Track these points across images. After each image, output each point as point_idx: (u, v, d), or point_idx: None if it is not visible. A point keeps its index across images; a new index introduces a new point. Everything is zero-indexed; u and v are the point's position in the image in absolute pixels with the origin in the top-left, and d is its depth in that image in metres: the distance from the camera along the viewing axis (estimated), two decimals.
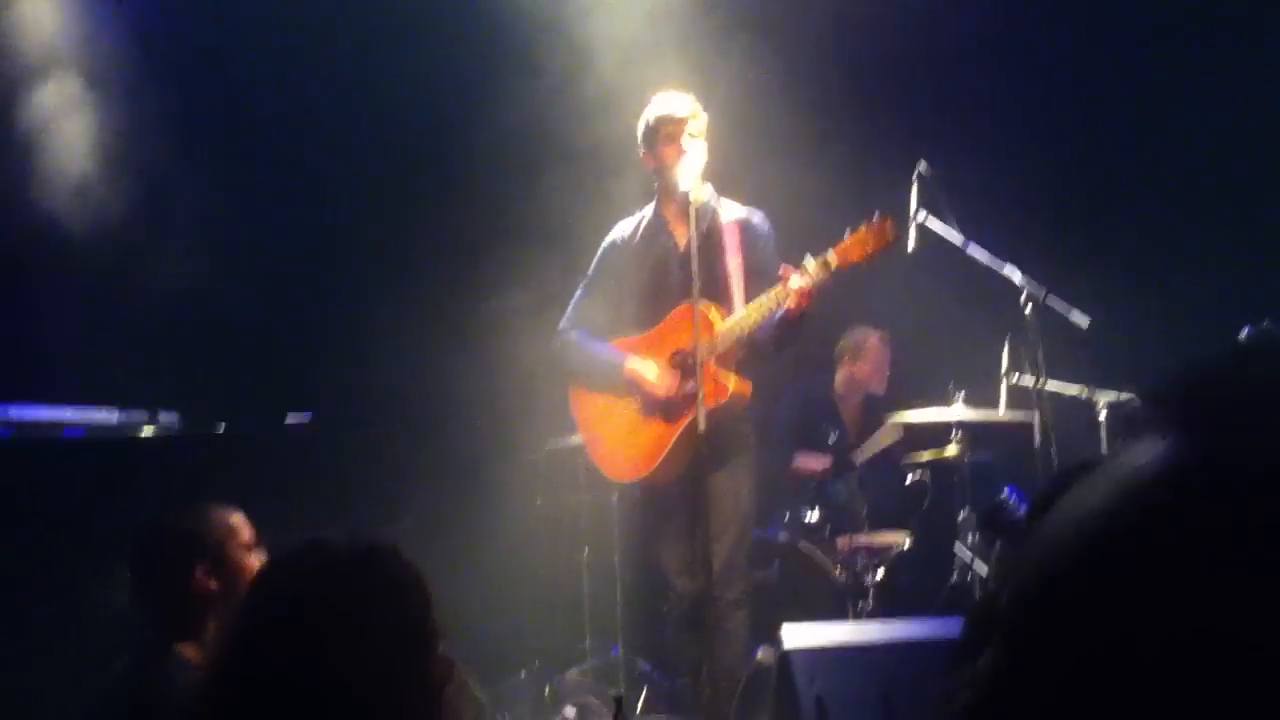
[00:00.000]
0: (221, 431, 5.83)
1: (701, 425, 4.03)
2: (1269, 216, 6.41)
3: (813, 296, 4.27)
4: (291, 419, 5.68)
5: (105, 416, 5.87)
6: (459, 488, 6.08)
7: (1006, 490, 2.94)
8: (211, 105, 6.26)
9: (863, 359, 6.60)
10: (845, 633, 3.75)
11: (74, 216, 6.19)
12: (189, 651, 2.65)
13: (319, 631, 1.80)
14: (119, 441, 5.74)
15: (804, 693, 3.32)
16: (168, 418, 6.06)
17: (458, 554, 5.75)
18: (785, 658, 3.12)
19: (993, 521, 3.52)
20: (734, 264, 4.60)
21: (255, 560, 2.73)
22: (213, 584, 2.72)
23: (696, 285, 4.10)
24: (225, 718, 1.75)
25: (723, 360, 4.45)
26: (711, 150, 4.71)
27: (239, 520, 2.81)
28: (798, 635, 3.20)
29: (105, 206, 6.11)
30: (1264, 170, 6.44)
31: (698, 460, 4.17)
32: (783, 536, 5.60)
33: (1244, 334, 4.31)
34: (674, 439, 4.48)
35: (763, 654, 4.45)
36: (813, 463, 6.15)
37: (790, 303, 4.24)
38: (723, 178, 5.05)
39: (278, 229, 6.22)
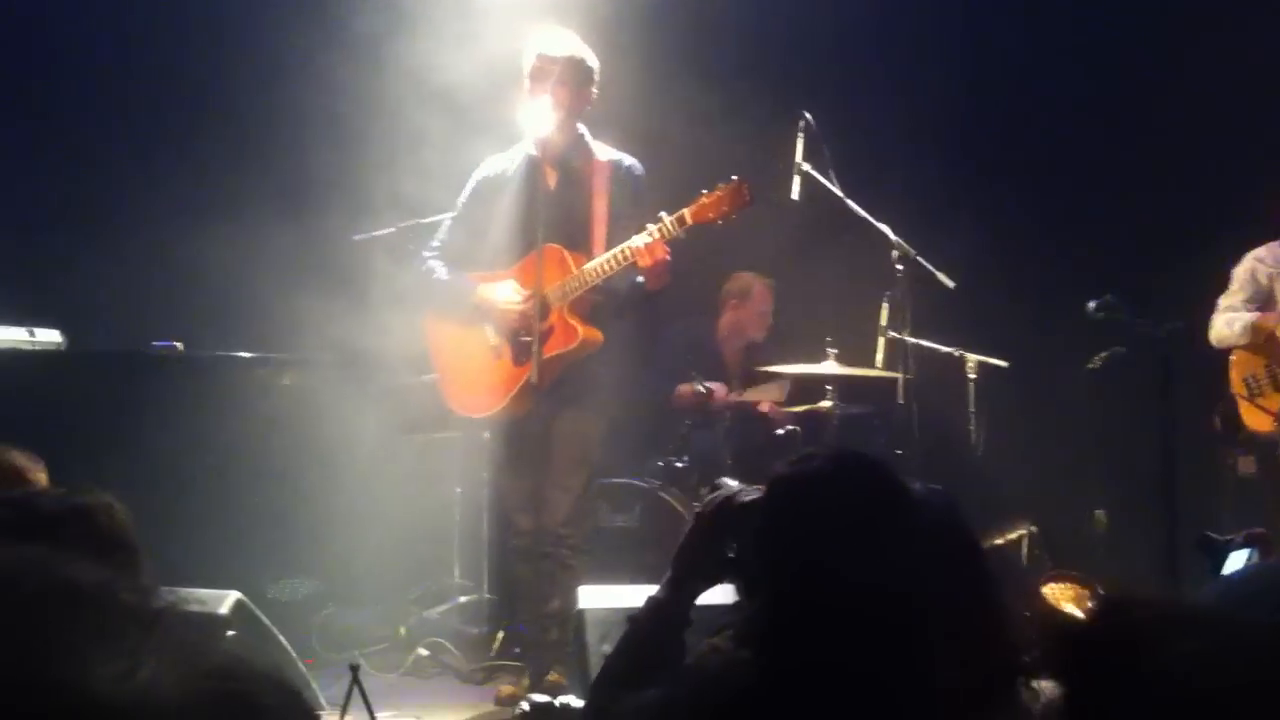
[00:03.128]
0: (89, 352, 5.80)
1: (535, 377, 4.06)
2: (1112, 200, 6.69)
3: (659, 258, 4.29)
4: (158, 345, 5.65)
5: None
6: (335, 419, 6.06)
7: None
8: None
9: (747, 305, 6.68)
10: (640, 595, 3.78)
11: None
12: None
13: None
14: None
15: (593, 651, 3.39)
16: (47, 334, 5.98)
17: (333, 489, 5.77)
18: (580, 616, 3.17)
19: None
20: (600, 207, 4.64)
21: None
22: None
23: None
24: None
25: (575, 306, 4.48)
26: (595, 92, 4.68)
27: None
28: (593, 596, 3.25)
29: None
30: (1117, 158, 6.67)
31: (541, 404, 4.22)
32: (646, 482, 5.65)
33: (1091, 306, 4.39)
34: (521, 382, 4.50)
35: None
36: (690, 392, 6.14)
37: (640, 259, 4.27)
38: (609, 123, 5.04)
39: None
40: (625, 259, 4.37)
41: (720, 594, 3.17)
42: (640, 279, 4.49)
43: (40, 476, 2.84)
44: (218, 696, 0.72)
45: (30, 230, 6.31)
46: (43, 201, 6.35)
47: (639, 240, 4.32)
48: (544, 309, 4.42)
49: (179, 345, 5.68)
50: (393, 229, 5.37)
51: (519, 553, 4.73)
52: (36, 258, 6.23)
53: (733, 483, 2.20)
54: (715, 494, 2.20)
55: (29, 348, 5.52)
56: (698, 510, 2.21)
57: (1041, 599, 4.61)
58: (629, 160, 4.74)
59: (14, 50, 6.40)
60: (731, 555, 2.12)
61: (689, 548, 2.21)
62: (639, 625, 2.23)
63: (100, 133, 6.37)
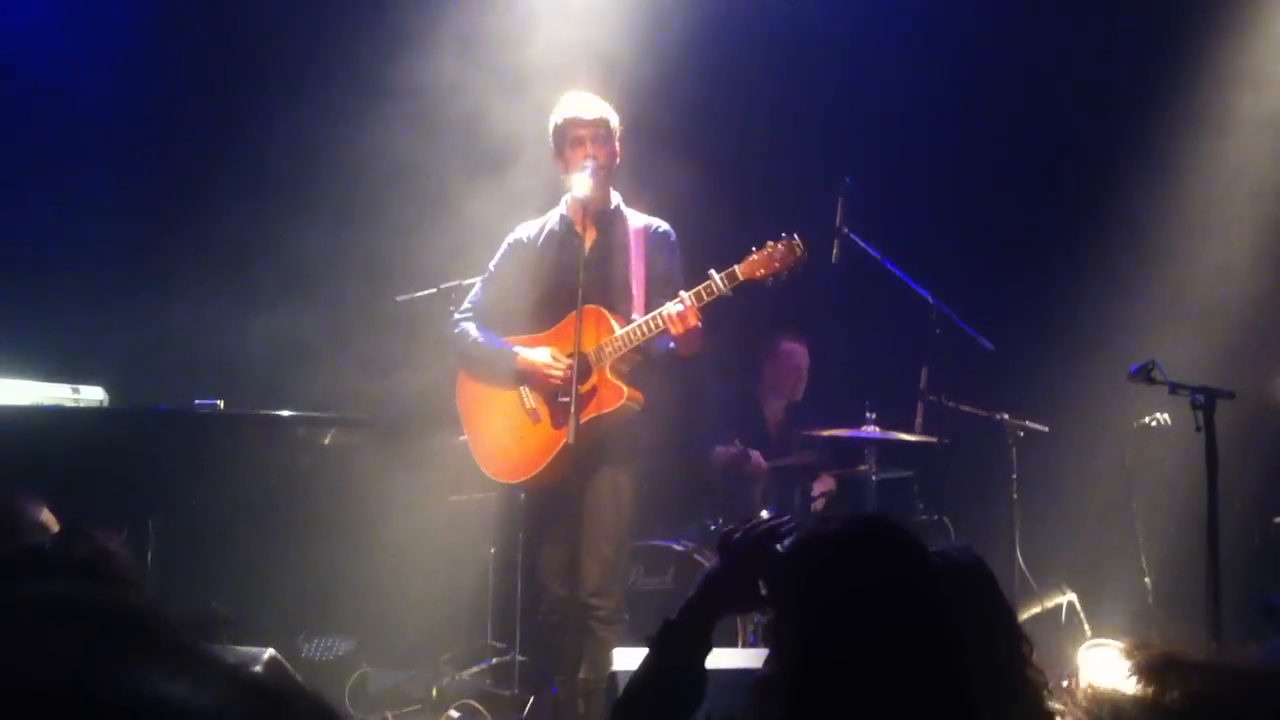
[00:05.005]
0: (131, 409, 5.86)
1: (572, 438, 4.08)
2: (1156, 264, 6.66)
3: (691, 326, 4.31)
4: (199, 403, 5.70)
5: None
6: (373, 479, 6.11)
7: None
8: None
9: (776, 363, 6.75)
10: None
11: None
12: None
13: None
14: None
15: None
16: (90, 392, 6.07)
17: (369, 548, 5.80)
18: (613, 679, 3.17)
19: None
20: (638, 270, 4.65)
21: None
22: None
23: (581, 293, 4.16)
24: None
25: (617, 367, 4.50)
26: (625, 157, 4.75)
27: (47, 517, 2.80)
28: (627, 659, 3.24)
29: None
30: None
31: (577, 466, 4.23)
32: (681, 545, 5.65)
33: (1132, 370, 4.39)
34: (559, 448, 4.51)
35: None
36: (730, 452, 6.19)
37: (673, 326, 4.30)
38: (648, 186, 5.11)
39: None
40: (660, 325, 4.40)
41: (743, 658, 3.18)
42: (671, 345, 4.53)
43: (50, 520, 2.88)
44: (261, 705, 0.75)
45: (75, 290, 6.43)
46: (88, 263, 6.48)
47: (672, 308, 4.36)
48: (585, 370, 4.43)
49: (220, 404, 5.74)
50: (433, 290, 5.45)
51: (550, 623, 4.73)
52: (81, 316, 6.35)
53: (769, 519, 2.24)
54: (755, 529, 2.23)
55: (73, 405, 5.61)
56: (731, 543, 2.24)
57: (1080, 669, 4.57)
58: (660, 223, 4.80)
59: (63, 128, 6.57)
60: (761, 592, 2.16)
61: (719, 576, 2.25)
62: (658, 650, 2.24)
63: (144, 197, 6.52)
